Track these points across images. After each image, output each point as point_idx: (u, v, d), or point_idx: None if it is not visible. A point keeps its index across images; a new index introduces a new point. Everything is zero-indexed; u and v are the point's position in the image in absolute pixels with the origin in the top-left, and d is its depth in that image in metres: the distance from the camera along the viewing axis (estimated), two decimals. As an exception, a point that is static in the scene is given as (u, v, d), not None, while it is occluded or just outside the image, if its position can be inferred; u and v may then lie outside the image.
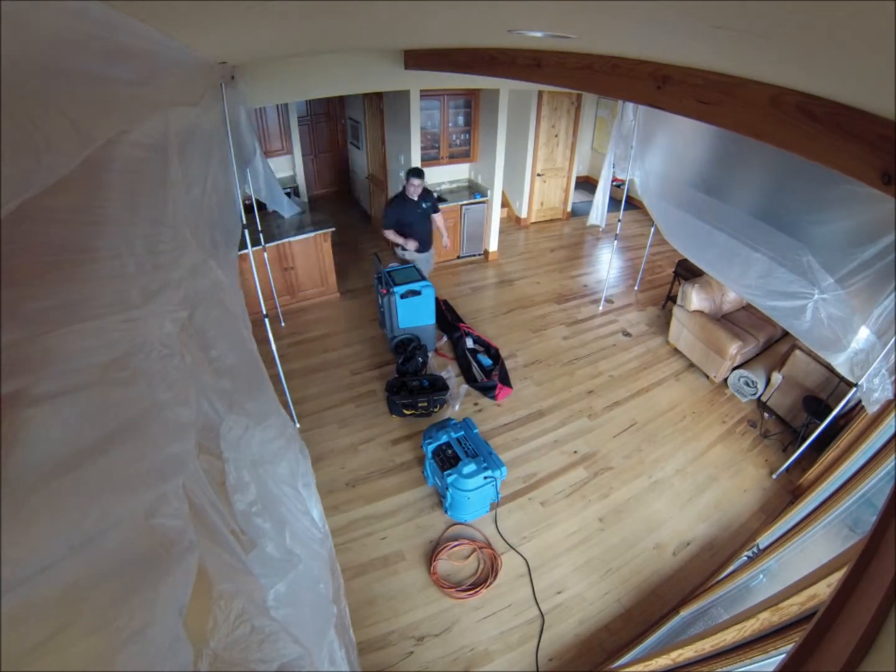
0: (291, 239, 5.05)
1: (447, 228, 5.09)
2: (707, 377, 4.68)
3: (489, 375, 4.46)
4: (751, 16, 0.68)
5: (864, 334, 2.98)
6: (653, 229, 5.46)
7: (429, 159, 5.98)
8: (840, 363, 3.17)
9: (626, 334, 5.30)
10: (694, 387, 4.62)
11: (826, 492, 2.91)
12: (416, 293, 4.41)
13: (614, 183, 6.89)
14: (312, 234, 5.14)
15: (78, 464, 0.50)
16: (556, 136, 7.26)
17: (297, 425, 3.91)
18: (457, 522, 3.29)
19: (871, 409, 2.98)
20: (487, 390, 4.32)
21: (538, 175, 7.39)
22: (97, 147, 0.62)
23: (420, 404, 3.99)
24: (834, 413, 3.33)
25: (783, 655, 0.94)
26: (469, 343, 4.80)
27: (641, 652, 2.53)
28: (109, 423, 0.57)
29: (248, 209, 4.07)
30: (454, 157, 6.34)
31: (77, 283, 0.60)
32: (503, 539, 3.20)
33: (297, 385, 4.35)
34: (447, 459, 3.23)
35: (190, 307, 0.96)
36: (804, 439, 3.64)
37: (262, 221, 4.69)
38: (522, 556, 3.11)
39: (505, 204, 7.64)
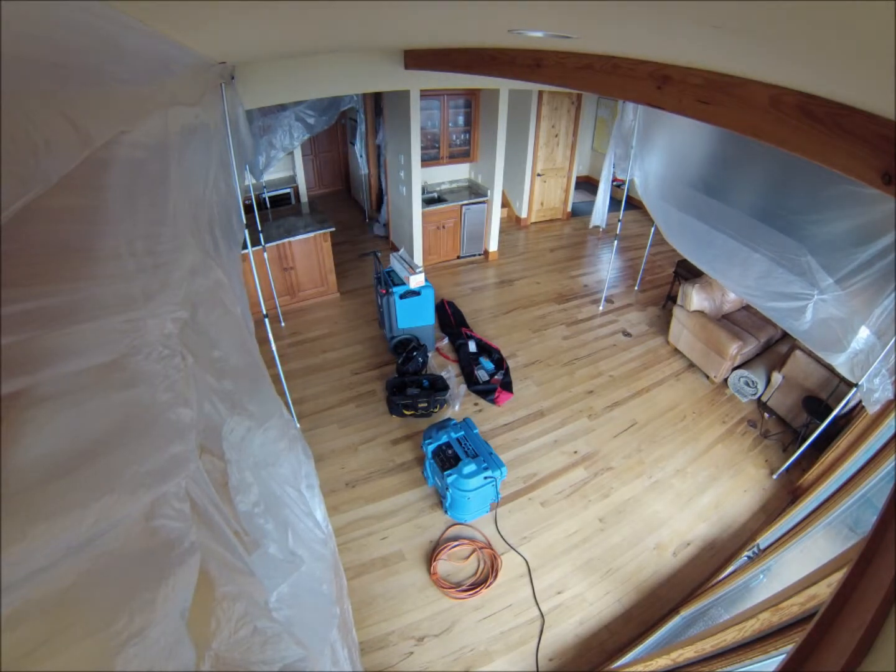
0: (291, 239, 5.04)
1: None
2: (707, 377, 4.68)
3: (491, 380, 4.45)
4: (750, 16, 0.68)
5: (864, 334, 2.97)
6: (653, 229, 5.46)
7: (429, 159, 5.98)
8: (840, 363, 3.17)
9: (627, 334, 5.30)
10: (694, 387, 4.62)
11: (826, 492, 2.91)
12: (416, 293, 4.41)
13: (614, 183, 6.90)
14: (312, 234, 5.14)
15: (77, 465, 0.50)
16: (556, 136, 7.26)
17: (297, 425, 3.91)
18: (457, 522, 3.29)
19: (872, 409, 2.98)
20: (487, 394, 4.32)
21: (538, 175, 7.39)
22: (97, 147, 0.62)
23: (420, 405, 3.99)
24: (834, 413, 3.33)
25: (783, 655, 0.94)
26: (472, 347, 4.79)
27: (642, 652, 2.53)
28: (109, 424, 0.57)
29: (248, 209, 4.07)
30: (454, 157, 6.34)
31: (77, 283, 0.60)
32: (503, 539, 3.20)
33: (297, 385, 4.35)
34: (447, 459, 3.23)
35: (191, 307, 0.96)
36: (804, 439, 3.64)
37: (262, 221, 4.69)
38: (522, 556, 3.11)
39: (505, 204, 7.64)
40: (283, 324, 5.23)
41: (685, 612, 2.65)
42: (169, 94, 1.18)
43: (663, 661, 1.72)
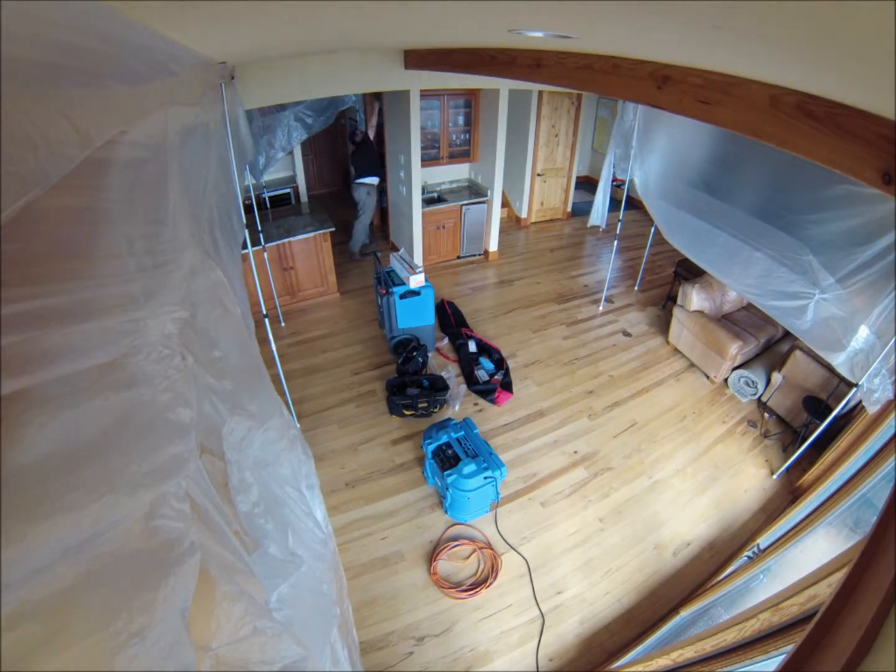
0: (291, 239, 5.04)
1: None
2: (707, 377, 4.68)
3: (491, 380, 4.45)
4: (750, 16, 0.68)
5: (863, 334, 2.97)
6: (653, 229, 5.46)
7: (429, 159, 5.97)
8: (840, 363, 3.17)
9: (627, 334, 5.30)
10: (694, 387, 4.62)
11: (826, 492, 2.91)
12: (416, 293, 4.41)
13: (614, 183, 6.90)
14: (312, 234, 5.14)
15: (77, 465, 0.50)
16: (556, 136, 7.26)
17: (297, 425, 3.91)
18: (457, 523, 3.28)
19: (872, 409, 2.98)
20: (487, 394, 4.32)
21: (538, 175, 7.39)
22: (97, 147, 0.62)
23: (420, 405, 3.99)
24: (834, 413, 3.33)
25: (784, 655, 0.94)
26: (472, 347, 4.79)
27: (642, 652, 2.53)
28: (109, 424, 0.57)
29: (248, 209, 4.07)
30: (454, 157, 6.34)
31: (77, 283, 0.60)
32: (503, 539, 3.20)
33: (297, 385, 4.35)
34: (447, 459, 3.23)
35: (191, 307, 0.96)
36: (804, 439, 3.64)
37: (262, 221, 4.69)
38: (522, 556, 3.11)
39: (505, 204, 7.64)
40: (283, 324, 5.23)
41: (685, 612, 2.65)
42: (169, 94, 1.18)
43: (663, 661, 1.72)
